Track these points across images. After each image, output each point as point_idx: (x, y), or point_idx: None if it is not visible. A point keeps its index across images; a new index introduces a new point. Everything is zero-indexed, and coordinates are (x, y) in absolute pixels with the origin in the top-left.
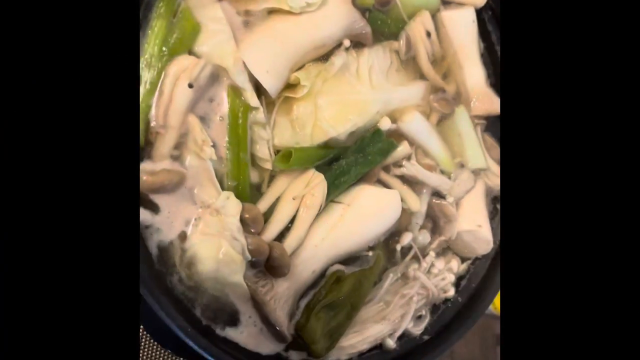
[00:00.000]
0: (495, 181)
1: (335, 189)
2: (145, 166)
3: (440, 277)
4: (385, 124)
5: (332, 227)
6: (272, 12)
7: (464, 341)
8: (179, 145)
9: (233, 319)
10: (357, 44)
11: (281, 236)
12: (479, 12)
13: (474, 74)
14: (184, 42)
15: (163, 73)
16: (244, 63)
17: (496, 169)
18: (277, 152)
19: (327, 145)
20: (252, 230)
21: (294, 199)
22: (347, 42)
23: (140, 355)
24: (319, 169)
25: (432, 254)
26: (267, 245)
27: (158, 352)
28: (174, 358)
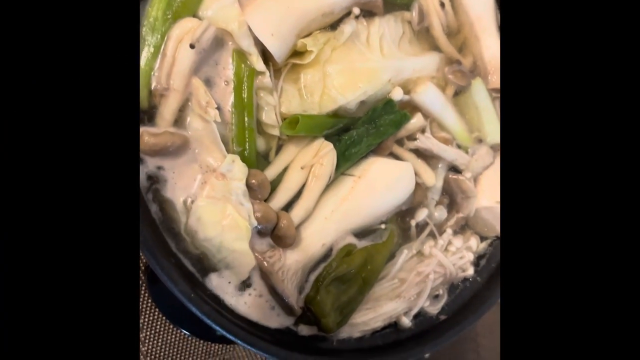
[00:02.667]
0: None
1: (346, 161)
2: (148, 128)
3: (459, 255)
4: (398, 94)
5: (343, 200)
6: None
7: (488, 330)
8: (183, 108)
9: (238, 289)
10: (367, 13)
11: (288, 207)
12: None
13: (491, 46)
14: (188, 6)
15: (166, 36)
16: (248, 27)
17: None
18: (284, 119)
19: (336, 115)
20: (259, 197)
21: (302, 168)
22: (356, 10)
23: (142, 325)
24: (328, 139)
25: (449, 231)
26: (274, 212)
27: (160, 323)
28: (173, 328)
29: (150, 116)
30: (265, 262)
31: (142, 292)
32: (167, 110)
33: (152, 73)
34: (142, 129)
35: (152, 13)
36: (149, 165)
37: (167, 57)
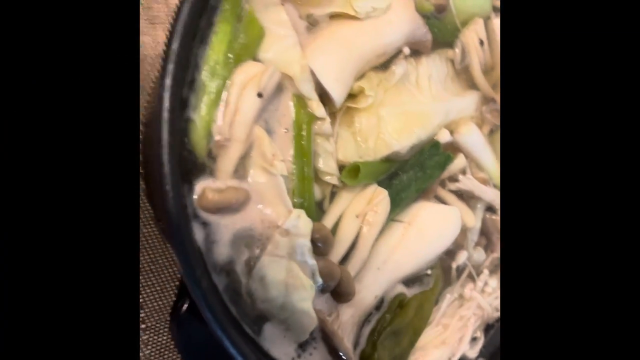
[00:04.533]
0: None
1: (396, 207)
2: (209, 184)
3: (494, 295)
4: (445, 136)
5: (394, 248)
6: (334, 16)
7: None
8: (242, 159)
9: (298, 350)
10: (415, 52)
11: (344, 258)
12: None
13: None
14: (249, 48)
15: (229, 82)
16: (311, 71)
17: None
18: (339, 166)
19: (388, 159)
20: (322, 252)
21: (357, 216)
22: (406, 50)
23: None
24: (380, 184)
25: (485, 271)
26: (339, 268)
27: None
28: None
29: (210, 168)
30: (327, 322)
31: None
32: (228, 162)
33: (213, 123)
34: (203, 185)
35: (212, 56)
36: (205, 220)
37: (231, 105)
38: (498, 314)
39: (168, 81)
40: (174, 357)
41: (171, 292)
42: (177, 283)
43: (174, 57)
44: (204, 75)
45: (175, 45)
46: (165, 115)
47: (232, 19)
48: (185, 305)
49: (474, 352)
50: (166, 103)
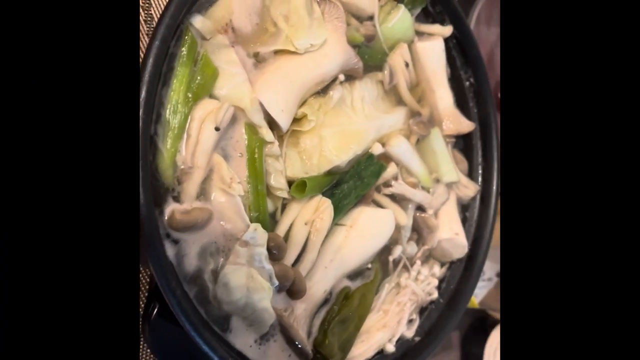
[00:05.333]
0: (464, 192)
1: (339, 212)
2: (177, 206)
3: (426, 282)
4: (378, 149)
5: (339, 248)
6: (278, 52)
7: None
8: (204, 183)
9: (259, 342)
10: (349, 77)
11: (296, 260)
12: (446, 41)
13: (444, 97)
14: (205, 87)
15: (189, 117)
16: (260, 103)
17: (465, 180)
18: (288, 181)
19: (330, 173)
20: (277, 258)
21: (305, 224)
22: (341, 77)
23: None
24: (324, 195)
25: (418, 262)
26: (292, 270)
27: None
28: None
29: (176, 193)
30: (283, 317)
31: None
32: (192, 186)
33: (178, 154)
34: (172, 208)
35: (174, 97)
36: (175, 238)
37: (192, 138)
38: (431, 298)
39: (140, 124)
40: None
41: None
42: (143, 289)
43: (142, 104)
44: (168, 113)
45: (143, 94)
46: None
47: (190, 63)
48: (156, 309)
49: (410, 332)
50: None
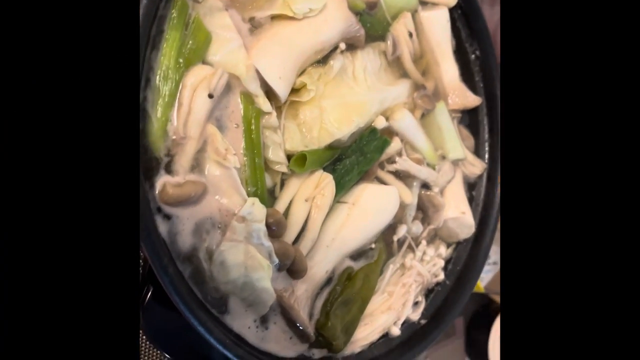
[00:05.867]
0: (471, 170)
1: (341, 189)
2: (169, 179)
3: (432, 263)
4: (381, 123)
5: (341, 227)
6: (275, 18)
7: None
8: (198, 154)
9: (258, 324)
10: (350, 46)
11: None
12: (450, 11)
13: (449, 70)
14: (197, 53)
15: (181, 84)
16: (256, 70)
17: (471, 158)
18: (287, 155)
19: (331, 147)
20: (277, 235)
21: (306, 200)
22: (342, 45)
23: None
24: (325, 170)
25: (423, 242)
26: (292, 248)
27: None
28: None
29: (168, 165)
30: (284, 297)
31: None
32: (185, 158)
33: (169, 123)
34: (163, 180)
35: (164, 62)
36: (167, 213)
37: (184, 106)
38: (437, 279)
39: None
40: None
41: None
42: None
43: None
44: (158, 79)
45: None
46: None
47: (180, 26)
48: (150, 293)
49: (416, 314)
50: None
